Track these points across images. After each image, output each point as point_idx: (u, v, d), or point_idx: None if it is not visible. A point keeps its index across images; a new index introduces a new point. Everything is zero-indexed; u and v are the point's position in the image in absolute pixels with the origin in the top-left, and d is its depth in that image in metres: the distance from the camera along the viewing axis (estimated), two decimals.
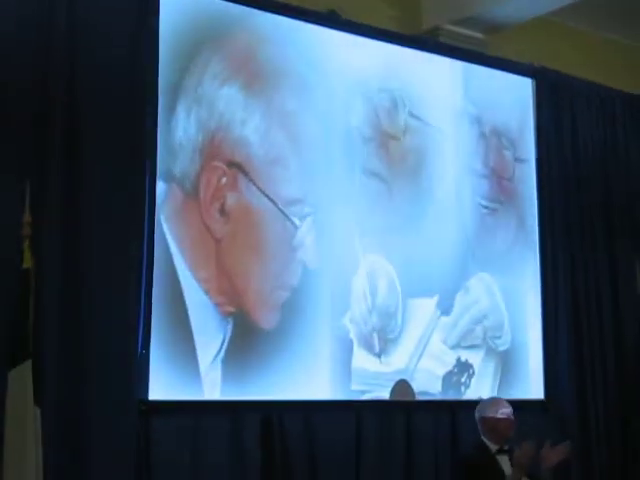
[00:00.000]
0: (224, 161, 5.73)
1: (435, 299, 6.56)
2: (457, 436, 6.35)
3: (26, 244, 4.81)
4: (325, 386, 5.97)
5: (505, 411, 5.40)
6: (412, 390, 6.34)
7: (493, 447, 5.34)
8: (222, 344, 5.57)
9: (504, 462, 5.28)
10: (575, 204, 7.42)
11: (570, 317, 7.22)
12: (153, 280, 5.34)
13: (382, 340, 6.27)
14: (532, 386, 6.99)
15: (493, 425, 5.36)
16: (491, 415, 5.38)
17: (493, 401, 5.60)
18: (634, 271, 7.72)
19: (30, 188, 4.89)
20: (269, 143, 5.92)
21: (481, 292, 6.84)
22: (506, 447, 5.33)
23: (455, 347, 6.62)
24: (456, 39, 7.03)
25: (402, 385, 6.31)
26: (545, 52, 7.50)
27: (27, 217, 4.80)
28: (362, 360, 6.15)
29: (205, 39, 5.76)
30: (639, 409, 7.44)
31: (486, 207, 6.97)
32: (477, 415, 5.45)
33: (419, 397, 6.35)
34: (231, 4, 5.87)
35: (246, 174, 5.79)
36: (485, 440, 5.37)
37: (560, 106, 7.47)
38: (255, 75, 5.94)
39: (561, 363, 7.10)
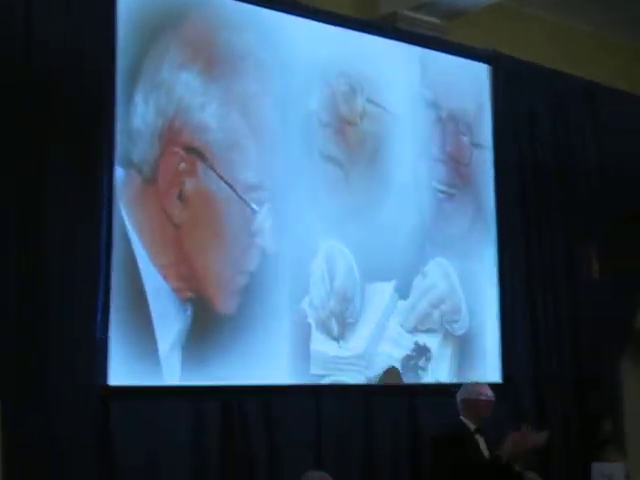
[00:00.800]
0: (183, 146, 5.72)
1: (393, 283, 6.60)
2: (416, 419, 6.42)
3: None
4: (284, 370, 6.00)
5: (487, 393, 5.55)
6: (401, 378, 6.46)
7: (471, 426, 5.48)
8: (181, 329, 5.58)
9: (480, 442, 5.44)
10: (532, 190, 7.48)
11: (526, 301, 7.31)
12: (112, 265, 5.34)
13: (340, 324, 6.31)
14: (489, 369, 7.06)
15: (473, 404, 5.50)
16: (473, 397, 5.52)
17: (476, 385, 5.73)
18: (590, 255, 7.78)
19: None
20: (228, 128, 5.92)
21: (438, 276, 6.89)
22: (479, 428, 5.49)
23: (413, 331, 6.67)
24: (414, 25, 7.04)
25: (393, 371, 6.43)
26: (504, 38, 7.54)
27: None
28: (321, 344, 6.18)
29: (164, 24, 5.73)
30: (596, 389, 7.54)
31: (443, 192, 7.01)
32: (459, 398, 5.57)
33: (375, 381, 6.42)
34: None
35: (205, 160, 5.79)
36: (464, 419, 5.51)
37: (516, 92, 7.51)
38: (214, 60, 5.93)
39: (517, 346, 7.19)
